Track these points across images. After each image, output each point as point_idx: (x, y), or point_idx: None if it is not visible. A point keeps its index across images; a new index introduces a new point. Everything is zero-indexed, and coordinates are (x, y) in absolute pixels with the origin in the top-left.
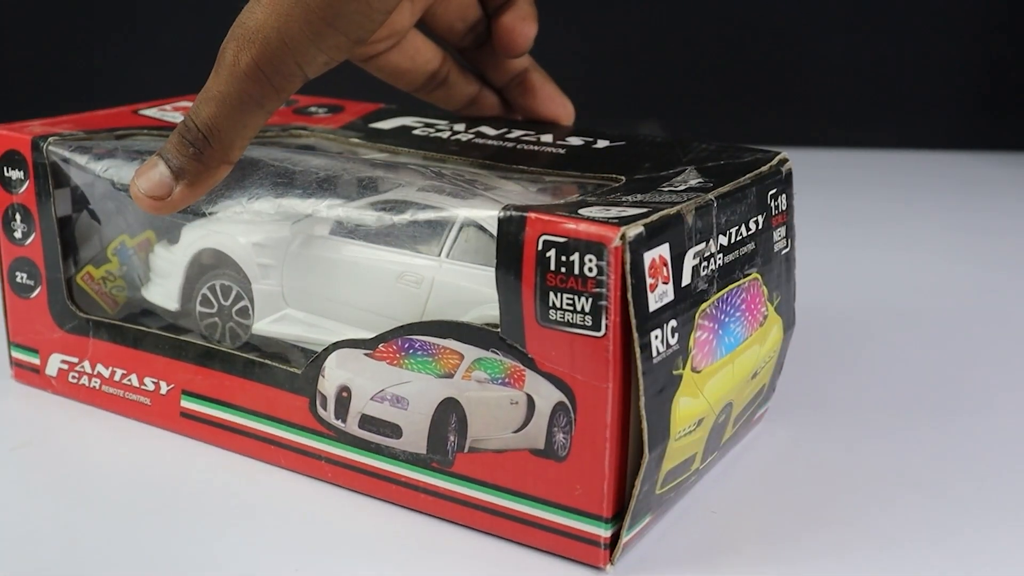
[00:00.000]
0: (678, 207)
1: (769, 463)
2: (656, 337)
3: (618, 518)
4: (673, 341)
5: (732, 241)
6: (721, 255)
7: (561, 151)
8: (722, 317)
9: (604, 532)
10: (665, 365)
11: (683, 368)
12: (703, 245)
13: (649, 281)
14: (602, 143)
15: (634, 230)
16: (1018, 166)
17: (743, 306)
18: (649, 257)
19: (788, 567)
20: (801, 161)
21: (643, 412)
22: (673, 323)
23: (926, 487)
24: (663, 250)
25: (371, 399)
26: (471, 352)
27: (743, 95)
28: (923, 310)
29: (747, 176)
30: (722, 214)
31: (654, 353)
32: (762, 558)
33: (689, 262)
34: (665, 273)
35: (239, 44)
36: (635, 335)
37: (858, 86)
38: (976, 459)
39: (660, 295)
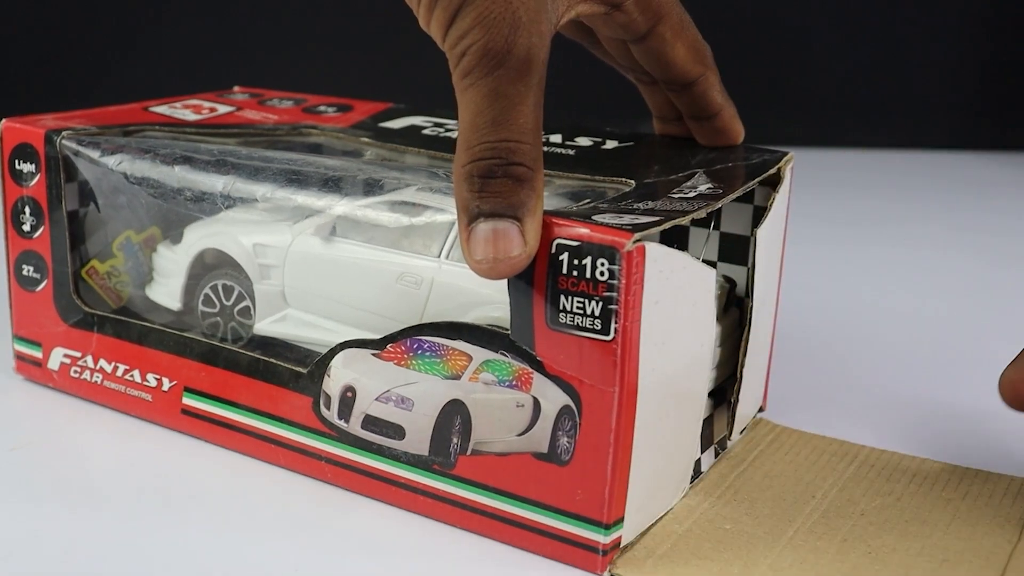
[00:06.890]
0: (690, 216)
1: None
2: None
3: (618, 524)
4: None
5: None
6: None
7: (570, 152)
8: None
9: (603, 538)
10: None
11: None
12: None
13: None
14: (611, 143)
15: (652, 240)
16: (1018, 166)
17: None
18: None
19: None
20: (801, 161)
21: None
22: None
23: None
24: None
25: (376, 399)
26: (480, 354)
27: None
28: (923, 310)
29: (755, 180)
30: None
31: None
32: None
33: None
34: None
35: None
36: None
37: (858, 86)
38: (976, 459)
39: None
